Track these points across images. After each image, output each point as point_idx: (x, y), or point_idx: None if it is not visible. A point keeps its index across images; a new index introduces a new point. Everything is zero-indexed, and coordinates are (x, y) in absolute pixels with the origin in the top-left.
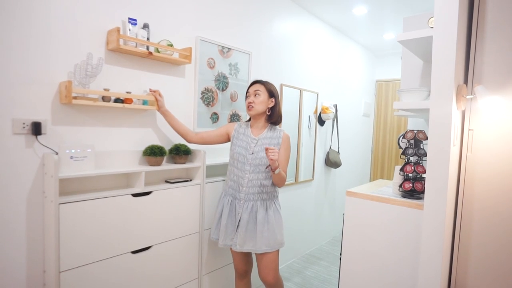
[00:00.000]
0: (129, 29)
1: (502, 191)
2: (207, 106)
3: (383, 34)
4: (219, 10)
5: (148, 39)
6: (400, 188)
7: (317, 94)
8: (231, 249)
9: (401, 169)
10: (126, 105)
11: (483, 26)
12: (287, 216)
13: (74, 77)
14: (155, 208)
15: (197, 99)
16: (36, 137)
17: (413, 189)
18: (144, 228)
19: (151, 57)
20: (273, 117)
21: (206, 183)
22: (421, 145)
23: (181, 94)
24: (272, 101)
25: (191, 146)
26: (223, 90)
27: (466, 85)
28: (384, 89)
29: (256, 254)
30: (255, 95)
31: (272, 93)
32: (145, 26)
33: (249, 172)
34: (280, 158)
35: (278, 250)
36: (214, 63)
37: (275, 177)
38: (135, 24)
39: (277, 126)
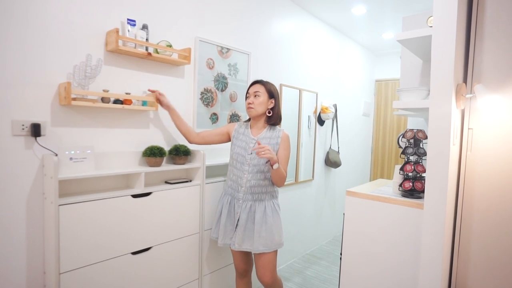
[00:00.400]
0: (128, 30)
1: (502, 190)
2: (207, 106)
3: (382, 33)
4: (218, 11)
5: (147, 40)
6: (400, 188)
7: (317, 94)
8: (231, 248)
9: (401, 169)
10: (125, 106)
11: (482, 25)
12: (287, 216)
13: (73, 79)
14: (155, 209)
15: (197, 100)
16: (36, 139)
17: (413, 188)
18: (144, 229)
19: (150, 58)
20: (273, 118)
21: (206, 183)
22: (421, 144)
23: (180, 95)
24: (271, 102)
25: (191, 146)
26: (222, 90)
27: (466, 84)
28: (383, 89)
29: (254, 254)
30: (255, 96)
31: (272, 94)
32: (144, 27)
33: (248, 172)
34: (280, 158)
35: (276, 251)
36: (213, 63)
37: (274, 174)
38: (134, 25)
39: (277, 126)
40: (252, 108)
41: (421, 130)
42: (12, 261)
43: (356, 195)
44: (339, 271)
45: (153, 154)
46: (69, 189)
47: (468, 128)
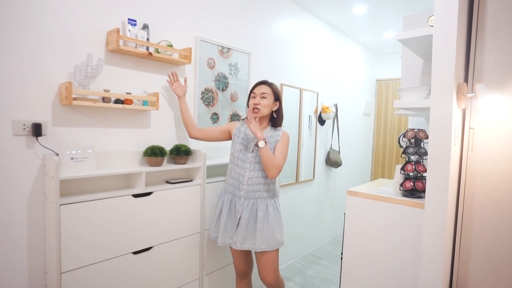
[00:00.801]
0: (129, 30)
1: (503, 189)
2: (207, 106)
3: (383, 33)
4: (218, 10)
5: (147, 39)
6: (401, 187)
7: (317, 94)
8: (231, 249)
9: (402, 168)
10: (126, 106)
11: (483, 24)
12: (288, 216)
13: (74, 78)
14: (156, 208)
15: (197, 99)
16: (37, 138)
17: (414, 188)
18: (145, 229)
19: (151, 57)
20: (278, 120)
21: (207, 183)
22: (422, 144)
23: None
24: (276, 105)
25: (192, 146)
26: (223, 90)
27: (467, 84)
28: (384, 88)
29: (255, 253)
30: (262, 97)
31: (277, 96)
32: (145, 27)
33: (249, 170)
34: (276, 149)
35: (277, 250)
36: (214, 63)
37: (262, 156)
38: (135, 24)
39: (278, 127)
40: (259, 109)
41: (422, 130)
42: (13, 261)
43: (357, 195)
44: (340, 270)
45: (154, 153)
46: (70, 189)
47: (469, 128)
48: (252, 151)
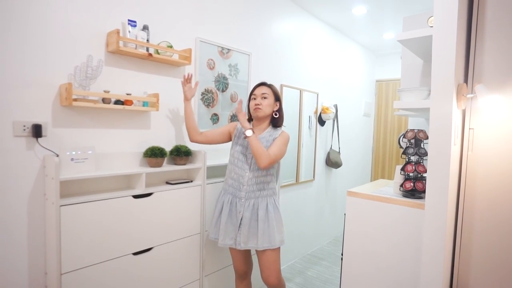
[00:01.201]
0: (129, 31)
1: (503, 190)
2: (207, 107)
3: (382, 33)
4: (218, 11)
5: (147, 40)
6: (401, 188)
7: (317, 94)
8: (231, 250)
9: (402, 169)
10: (126, 107)
11: (483, 25)
12: (288, 217)
13: (74, 79)
14: (156, 209)
15: (197, 100)
16: (37, 139)
17: (414, 188)
18: (145, 230)
19: (151, 58)
20: (278, 120)
21: (207, 184)
22: (422, 144)
23: (181, 96)
24: (277, 105)
25: (192, 147)
26: (223, 91)
27: (466, 84)
28: (384, 89)
29: (257, 253)
30: (263, 98)
31: (278, 96)
32: (145, 28)
33: (249, 171)
34: (273, 143)
35: (279, 250)
36: (214, 64)
37: (250, 142)
38: (135, 26)
39: (278, 128)
40: (260, 109)
41: (422, 130)
42: (14, 261)
43: (357, 196)
44: (340, 271)
45: (154, 154)
46: (70, 189)
47: (469, 128)
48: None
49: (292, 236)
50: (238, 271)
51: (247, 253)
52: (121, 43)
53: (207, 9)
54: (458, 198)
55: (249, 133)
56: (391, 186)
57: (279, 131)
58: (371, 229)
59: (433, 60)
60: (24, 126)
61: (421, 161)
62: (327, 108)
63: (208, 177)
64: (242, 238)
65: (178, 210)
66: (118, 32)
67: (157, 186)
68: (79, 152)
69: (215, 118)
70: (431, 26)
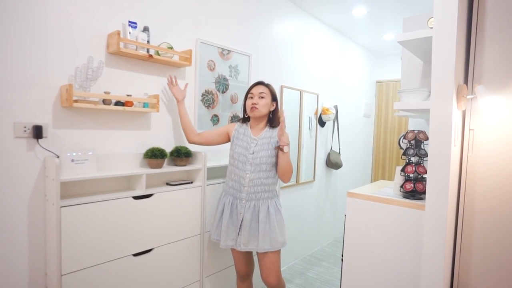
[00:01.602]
0: (129, 32)
1: (504, 191)
2: (208, 108)
3: (382, 34)
4: (219, 12)
5: (148, 42)
6: (401, 189)
7: (318, 95)
8: (232, 251)
9: (402, 170)
10: (126, 108)
11: (482, 26)
12: (288, 218)
13: (75, 81)
14: (156, 210)
15: (198, 101)
16: (37, 141)
17: (414, 189)
18: (146, 231)
19: (151, 60)
20: (274, 119)
21: (207, 185)
22: (422, 145)
23: None
24: (273, 105)
25: (192, 148)
26: (223, 92)
27: (467, 85)
28: (384, 90)
29: (258, 254)
30: (260, 97)
31: (275, 97)
32: (145, 29)
33: (250, 172)
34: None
35: (279, 251)
36: (214, 65)
37: (283, 161)
38: (135, 27)
39: (276, 127)
40: (257, 108)
41: (422, 131)
42: (14, 262)
43: (357, 196)
44: (340, 272)
45: (154, 155)
46: (70, 190)
47: (469, 129)
48: (253, 153)
49: (292, 237)
50: (240, 272)
51: (248, 254)
52: (121, 45)
53: (207, 10)
54: (458, 199)
55: (286, 149)
56: (391, 187)
57: (277, 131)
58: (371, 230)
59: (433, 61)
60: (25, 127)
61: (421, 162)
62: (327, 109)
63: (209, 178)
64: (242, 240)
65: (178, 211)
66: (118, 34)
67: (158, 187)
68: (79, 153)
69: (215, 119)
70: (431, 27)
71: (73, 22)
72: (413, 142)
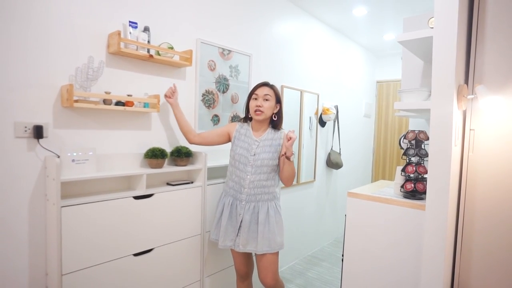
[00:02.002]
0: (130, 32)
1: (504, 191)
2: (208, 108)
3: (383, 34)
4: (219, 13)
5: (148, 42)
6: (401, 189)
7: (318, 95)
8: (232, 251)
9: (403, 170)
10: (127, 108)
11: (483, 26)
12: (288, 218)
13: (76, 81)
14: (157, 210)
15: (198, 101)
16: (38, 141)
17: (415, 189)
18: (146, 231)
19: (152, 60)
20: (277, 121)
21: (208, 185)
22: (423, 145)
23: (182, 97)
24: (277, 107)
25: (193, 148)
26: (224, 92)
27: (467, 85)
28: (385, 90)
29: (256, 255)
30: (265, 99)
31: (279, 98)
32: (146, 29)
33: (251, 173)
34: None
35: (277, 252)
36: (215, 65)
37: (288, 168)
38: (136, 27)
39: (278, 130)
40: (262, 112)
41: (422, 131)
42: (15, 262)
43: (358, 196)
44: (341, 272)
45: (154, 155)
46: (71, 190)
47: (470, 129)
48: (254, 154)
49: (292, 237)
50: (239, 272)
51: (248, 254)
52: (122, 45)
53: (207, 10)
54: (459, 198)
55: (292, 158)
56: (391, 187)
57: (280, 133)
58: (371, 230)
59: (434, 61)
60: (25, 127)
61: (422, 162)
62: (327, 109)
63: (209, 178)
64: (241, 241)
65: (178, 211)
66: (119, 34)
67: (158, 187)
68: (80, 153)
69: (215, 119)
70: (432, 27)
71: (73, 22)
72: (413, 142)
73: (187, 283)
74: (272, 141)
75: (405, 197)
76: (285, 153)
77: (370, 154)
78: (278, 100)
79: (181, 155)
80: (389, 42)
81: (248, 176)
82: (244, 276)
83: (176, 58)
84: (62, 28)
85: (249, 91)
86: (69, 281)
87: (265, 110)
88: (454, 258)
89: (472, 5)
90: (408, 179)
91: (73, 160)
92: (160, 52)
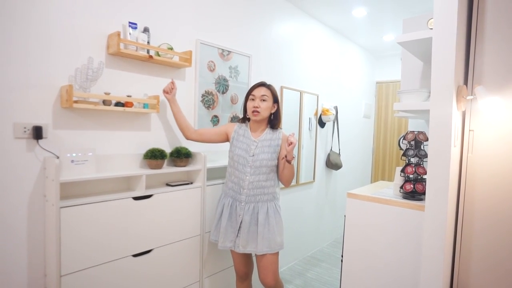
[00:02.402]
0: (130, 33)
1: (503, 191)
2: (208, 109)
3: (382, 35)
4: (219, 13)
5: (148, 42)
6: (401, 190)
7: (318, 96)
8: (231, 251)
9: (402, 170)
10: (126, 109)
11: (482, 27)
12: (288, 218)
13: (75, 81)
14: (156, 211)
15: (198, 102)
16: (37, 141)
17: (414, 190)
18: (145, 231)
19: (151, 60)
20: (275, 121)
21: (207, 185)
22: (422, 146)
23: (181, 97)
24: (275, 107)
25: (192, 149)
26: (223, 92)
27: (466, 86)
28: (384, 91)
29: (256, 255)
30: (262, 100)
31: (276, 98)
32: (146, 30)
33: (250, 174)
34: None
35: (277, 252)
36: (214, 66)
37: (288, 170)
38: (136, 28)
39: (276, 130)
40: (259, 112)
41: (422, 132)
42: (13, 263)
43: (357, 197)
44: (340, 273)
45: (154, 156)
46: (70, 191)
47: (469, 130)
48: (253, 155)
49: (292, 237)
50: (239, 272)
51: (247, 255)
52: (121, 45)
53: (207, 11)
54: (458, 199)
55: (292, 162)
56: (391, 188)
57: (278, 133)
58: (371, 230)
59: (433, 62)
60: (25, 127)
61: (421, 163)
62: (327, 110)
63: (208, 179)
64: (241, 242)
65: (178, 212)
66: (119, 34)
67: (157, 188)
68: (79, 154)
69: (215, 120)
70: (431, 28)
71: (73, 23)
72: (413, 143)
73: (186, 284)
74: (271, 142)
75: (405, 197)
76: (285, 157)
77: (369, 155)
78: (276, 100)
79: (181, 155)
80: (389, 43)
81: (247, 177)
82: (243, 277)
83: (176, 59)
84: (62, 29)
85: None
86: (68, 282)
87: (262, 110)
88: (453, 258)
89: (472, 6)
90: (407, 180)
91: (72, 161)
92: (159, 53)
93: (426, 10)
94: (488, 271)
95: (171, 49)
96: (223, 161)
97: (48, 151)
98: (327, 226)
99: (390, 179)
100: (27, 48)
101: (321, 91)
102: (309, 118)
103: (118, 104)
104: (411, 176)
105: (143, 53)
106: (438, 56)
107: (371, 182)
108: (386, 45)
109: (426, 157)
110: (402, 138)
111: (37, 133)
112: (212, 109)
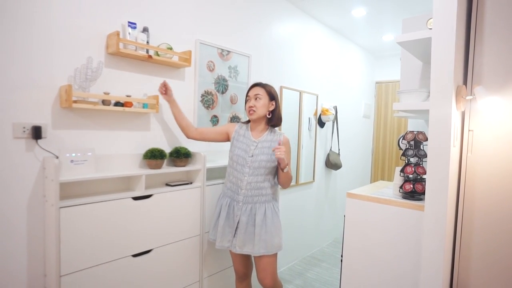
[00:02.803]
0: (129, 33)
1: (503, 191)
2: (207, 109)
3: (382, 35)
4: (218, 13)
5: (147, 42)
6: (400, 190)
7: (317, 96)
8: (230, 251)
9: (402, 170)
10: (126, 109)
11: (481, 27)
12: (288, 218)
13: (74, 81)
14: (156, 211)
15: (197, 102)
16: (37, 141)
17: (414, 190)
18: (145, 231)
19: (151, 60)
20: (274, 120)
21: (207, 185)
22: (421, 146)
23: (181, 97)
24: (272, 104)
25: (192, 149)
26: (223, 92)
27: (466, 86)
28: (384, 91)
29: (254, 256)
30: (256, 99)
31: (272, 96)
32: (145, 30)
33: (248, 175)
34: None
35: (276, 254)
36: (214, 66)
37: (283, 176)
38: (135, 27)
39: (277, 129)
40: (254, 111)
41: (421, 132)
42: (13, 263)
43: (357, 197)
44: (340, 273)
45: (153, 156)
46: (70, 191)
47: (469, 130)
48: (252, 156)
49: (291, 237)
50: (238, 272)
51: (247, 255)
52: (121, 45)
53: (207, 11)
54: (457, 199)
55: (286, 169)
56: (390, 188)
57: (278, 135)
58: (370, 230)
59: (432, 62)
60: (24, 127)
61: (421, 163)
62: (327, 110)
63: (208, 179)
64: (238, 242)
65: (177, 212)
66: (118, 34)
67: (157, 188)
68: (78, 154)
69: (215, 120)
70: (430, 28)
71: (72, 23)
72: (412, 142)
73: (186, 284)
74: (271, 143)
75: (404, 197)
76: (279, 164)
77: (369, 155)
78: (272, 98)
79: (180, 155)
80: (388, 43)
81: (245, 177)
82: (242, 277)
83: (175, 59)
84: (61, 29)
85: None
86: (67, 282)
87: (257, 109)
88: (453, 258)
89: (471, 6)
90: (407, 180)
91: (71, 161)
92: (159, 53)
93: (426, 10)
94: (487, 270)
95: (171, 49)
96: (223, 161)
97: (47, 151)
98: (326, 226)
99: (390, 179)
100: (26, 48)
101: (321, 91)
102: (309, 118)
103: (117, 104)
104: (410, 176)
105: (143, 53)
106: (437, 56)
107: (370, 182)
108: (386, 45)
109: (426, 157)
110: (401, 138)
111: (37, 133)
112: (211, 109)
